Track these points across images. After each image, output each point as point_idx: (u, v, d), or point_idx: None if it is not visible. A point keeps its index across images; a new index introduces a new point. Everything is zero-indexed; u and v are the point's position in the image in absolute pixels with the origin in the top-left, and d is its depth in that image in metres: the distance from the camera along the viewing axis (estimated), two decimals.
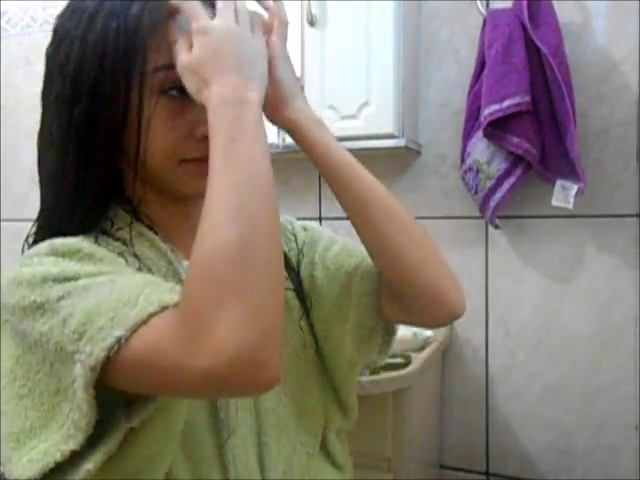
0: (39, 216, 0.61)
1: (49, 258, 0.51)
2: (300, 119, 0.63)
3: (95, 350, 0.43)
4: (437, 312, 0.64)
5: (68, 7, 0.61)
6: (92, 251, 0.53)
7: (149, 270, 0.58)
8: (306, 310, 0.72)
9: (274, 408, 0.64)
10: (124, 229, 0.59)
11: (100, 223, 0.59)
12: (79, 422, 0.44)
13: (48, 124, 0.59)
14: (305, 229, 0.77)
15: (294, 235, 0.76)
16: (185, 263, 0.61)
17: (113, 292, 0.46)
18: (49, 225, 0.58)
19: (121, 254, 0.57)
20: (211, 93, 0.52)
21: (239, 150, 0.49)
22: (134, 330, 0.43)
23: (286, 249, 0.74)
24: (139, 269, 0.57)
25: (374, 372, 1.25)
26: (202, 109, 0.55)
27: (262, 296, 0.41)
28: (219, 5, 0.55)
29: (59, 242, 0.53)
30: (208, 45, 0.52)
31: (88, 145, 0.57)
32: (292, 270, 0.73)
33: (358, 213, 0.64)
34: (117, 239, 0.59)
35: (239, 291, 0.40)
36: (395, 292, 0.65)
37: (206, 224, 0.45)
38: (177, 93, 0.58)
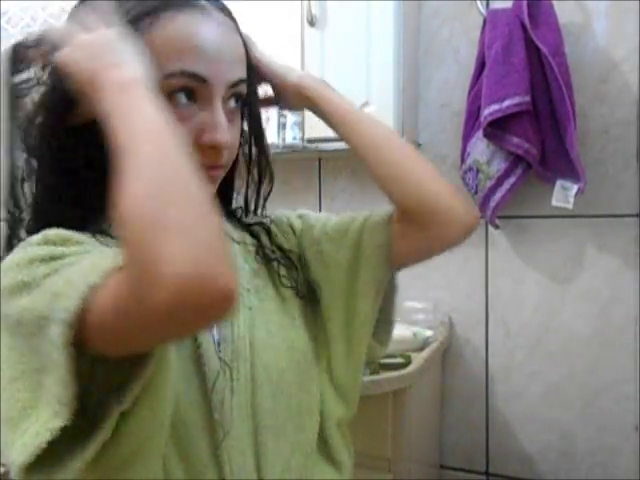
0: (33, 211, 0.60)
1: (40, 246, 0.51)
2: (305, 79, 0.71)
3: (68, 303, 0.43)
4: (453, 223, 0.72)
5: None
6: (82, 239, 0.53)
7: None
8: (311, 302, 0.73)
9: (272, 408, 0.64)
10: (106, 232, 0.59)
11: (99, 221, 0.59)
12: (62, 396, 0.44)
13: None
14: (300, 216, 0.78)
15: (291, 227, 0.77)
16: None
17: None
18: (45, 219, 0.58)
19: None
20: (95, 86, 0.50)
21: (137, 122, 0.47)
22: (101, 287, 0.44)
23: (286, 246, 0.75)
24: None
25: (374, 372, 1.25)
26: (208, 115, 0.57)
27: (188, 218, 0.42)
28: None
29: (53, 232, 0.53)
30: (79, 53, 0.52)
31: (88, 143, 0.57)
32: (293, 267, 0.73)
33: (373, 153, 0.70)
34: (114, 237, 0.58)
35: (165, 224, 0.41)
36: (412, 214, 0.70)
37: (121, 193, 0.43)
38: (185, 99, 0.58)
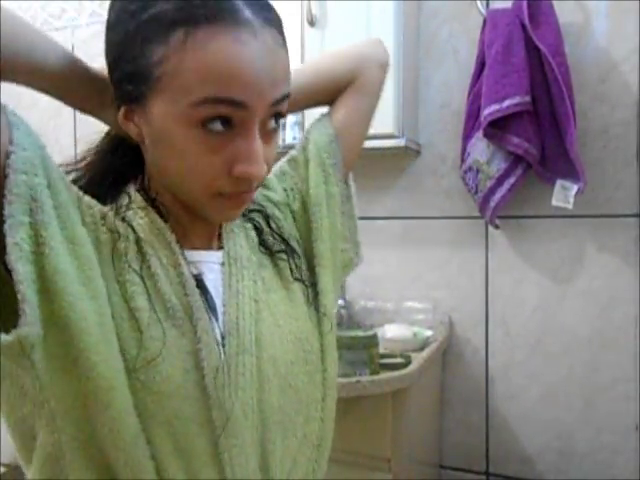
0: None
1: None
2: None
3: None
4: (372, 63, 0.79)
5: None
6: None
7: (145, 255, 0.58)
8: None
9: (280, 403, 0.62)
10: (135, 211, 0.60)
11: (119, 196, 0.61)
12: None
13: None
14: (269, 187, 0.77)
15: (288, 206, 0.76)
16: (191, 253, 0.61)
17: None
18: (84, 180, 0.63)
19: (119, 234, 0.58)
20: None
21: None
22: None
23: (286, 227, 0.74)
24: (136, 248, 0.58)
25: (374, 372, 1.25)
26: (243, 143, 0.54)
27: None
28: None
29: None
30: None
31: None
32: (296, 255, 0.72)
33: (327, 91, 0.77)
34: (124, 220, 0.59)
35: None
36: (351, 88, 0.78)
37: None
38: (220, 126, 0.53)
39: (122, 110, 0.57)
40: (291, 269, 0.70)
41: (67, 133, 2.10)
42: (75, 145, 2.08)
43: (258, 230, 0.71)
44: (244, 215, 0.71)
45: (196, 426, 0.56)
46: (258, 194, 0.73)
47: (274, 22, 0.55)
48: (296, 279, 0.70)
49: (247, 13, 0.52)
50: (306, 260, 0.73)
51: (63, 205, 0.53)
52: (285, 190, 0.75)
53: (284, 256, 0.71)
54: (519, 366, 1.61)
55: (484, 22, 1.51)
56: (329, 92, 0.78)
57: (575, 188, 1.43)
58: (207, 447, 0.57)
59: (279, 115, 0.57)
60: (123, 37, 0.54)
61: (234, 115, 0.53)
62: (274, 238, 0.72)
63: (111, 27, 0.56)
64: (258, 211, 0.73)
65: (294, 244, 0.73)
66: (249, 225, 0.71)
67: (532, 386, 1.60)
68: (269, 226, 0.72)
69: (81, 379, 0.51)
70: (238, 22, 0.51)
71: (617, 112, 1.49)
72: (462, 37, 1.63)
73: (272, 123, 0.57)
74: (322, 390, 0.69)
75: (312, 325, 0.69)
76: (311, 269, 0.72)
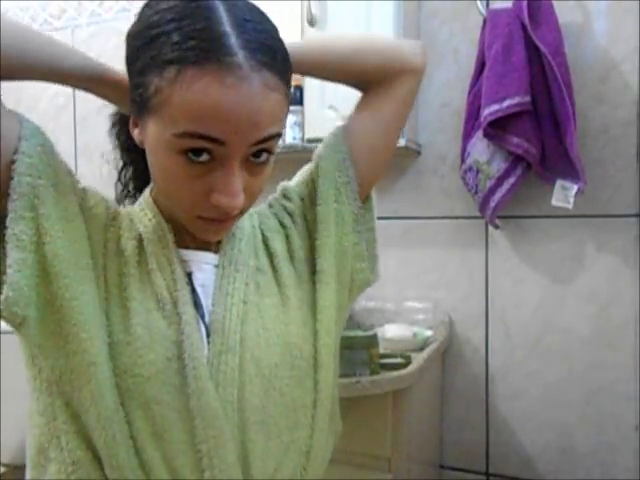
0: None
1: None
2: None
3: None
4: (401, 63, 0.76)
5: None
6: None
7: (146, 252, 0.65)
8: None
9: (262, 404, 0.63)
10: (145, 212, 0.67)
11: (137, 195, 0.74)
12: None
13: None
14: (288, 197, 0.78)
15: (289, 214, 0.77)
16: (186, 252, 0.67)
17: None
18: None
19: (124, 233, 0.66)
20: None
21: None
22: None
23: (300, 241, 0.75)
24: (137, 246, 0.65)
25: (374, 372, 1.25)
26: (221, 176, 0.57)
27: None
28: None
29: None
30: None
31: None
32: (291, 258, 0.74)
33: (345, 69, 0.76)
34: (132, 220, 0.67)
35: None
36: (378, 88, 0.76)
37: None
38: (202, 157, 0.56)
39: (132, 116, 0.64)
40: (291, 285, 0.72)
41: (67, 134, 2.10)
42: (75, 146, 2.08)
43: (265, 236, 0.74)
44: (259, 224, 0.75)
45: (174, 412, 0.59)
46: (275, 203, 0.77)
47: (269, 65, 0.56)
48: (295, 293, 0.71)
49: (239, 57, 0.54)
50: (309, 271, 0.74)
51: (64, 201, 0.61)
52: (302, 199, 0.77)
53: (287, 262, 0.73)
54: (519, 366, 1.61)
55: (484, 22, 1.51)
56: (355, 75, 0.77)
57: (575, 188, 1.43)
58: (183, 435, 0.60)
59: (266, 151, 0.59)
60: (132, 62, 0.59)
61: (213, 149, 0.56)
62: (282, 245, 0.74)
63: (127, 47, 0.61)
64: (274, 217, 0.76)
65: (300, 254, 0.74)
66: (258, 231, 0.74)
67: (532, 386, 1.60)
68: (286, 237, 0.75)
69: (69, 355, 0.58)
70: (227, 65, 0.53)
71: (617, 112, 1.49)
72: (462, 37, 1.63)
73: (262, 157, 0.59)
74: (313, 397, 0.69)
75: (307, 332, 0.70)
76: (312, 282, 0.73)
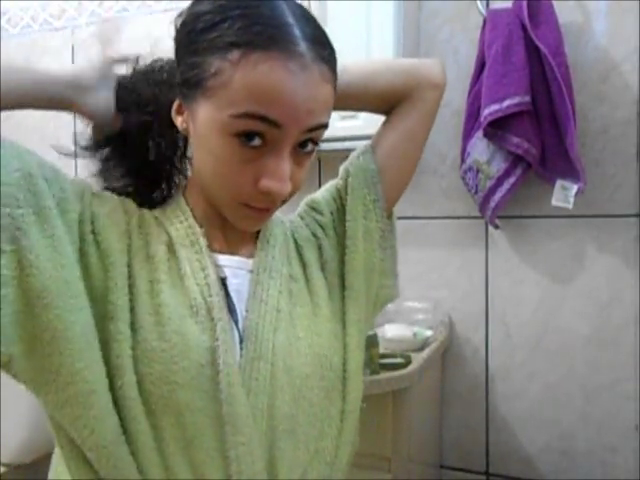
0: None
1: None
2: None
3: None
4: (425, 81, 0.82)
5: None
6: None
7: (177, 257, 0.64)
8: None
9: (291, 413, 0.63)
10: (177, 214, 0.67)
11: (166, 196, 0.72)
12: None
13: None
14: (319, 210, 0.79)
15: (321, 227, 0.77)
16: (221, 257, 0.66)
17: None
18: None
19: (153, 238, 0.64)
20: None
21: None
22: None
23: (332, 254, 0.75)
24: (168, 251, 0.64)
25: (374, 372, 1.25)
26: (273, 160, 0.58)
27: None
28: None
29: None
30: None
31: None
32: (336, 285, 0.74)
33: (365, 79, 0.77)
34: (159, 225, 0.66)
35: None
36: (404, 104, 0.80)
37: None
38: (253, 140, 0.57)
39: (177, 102, 0.64)
40: (323, 296, 0.72)
41: (67, 134, 2.10)
42: (75, 146, 2.08)
43: (298, 245, 0.74)
44: (287, 231, 0.75)
45: (206, 419, 0.59)
46: (306, 215, 0.78)
47: (326, 59, 0.60)
48: (326, 303, 0.71)
49: (302, 46, 0.57)
50: (339, 284, 0.74)
51: (50, 227, 0.57)
52: (332, 213, 0.78)
53: (319, 272, 0.73)
54: (519, 366, 1.61)
55: (484, 22, 1.51)
56: (380, 100, 0.78)
57: (575, 188, 1.43)
58: (214, 442, 0.59)
59: (313, 141, 0.61)
60: (189, 45, 0.59)
61: (268, 132, 0.57)
62: (315, 255, 0.74)
63: (181, 31, 0.61)
64: (306, 228, 0.76)
65: (332, 265, 0.74)
66: (291, 239, 0.74)
67: (532, 386, 1.60)
68: (318, 248, 0.75)
69: (61, 388, 0.55)
70: (291, 53, 0.56)
71: (617, 112, 1.49)
72: (462, 37, 1.63)
73: (308, 147, 0.61)
74: (340, 409, 0.69)
75: (338, 345, 0.70)
76: (342, 296, 0.74)
